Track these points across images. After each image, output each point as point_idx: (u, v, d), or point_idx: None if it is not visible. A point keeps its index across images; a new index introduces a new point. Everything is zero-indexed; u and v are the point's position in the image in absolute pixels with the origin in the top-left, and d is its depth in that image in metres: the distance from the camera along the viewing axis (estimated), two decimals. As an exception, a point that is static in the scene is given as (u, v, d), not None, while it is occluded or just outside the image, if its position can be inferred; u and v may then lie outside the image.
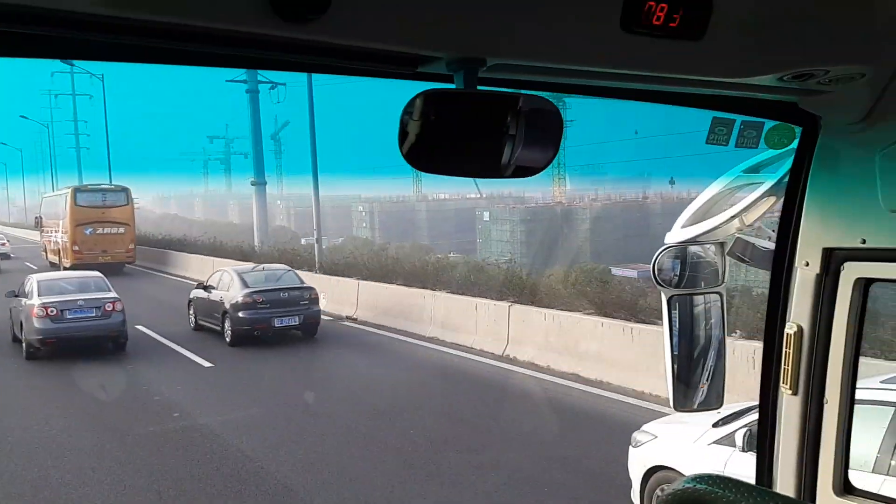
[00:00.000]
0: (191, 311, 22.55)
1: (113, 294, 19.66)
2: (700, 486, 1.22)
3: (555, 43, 1.64)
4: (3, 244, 43.65)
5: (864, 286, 2.34)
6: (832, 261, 2.34)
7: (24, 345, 18.90)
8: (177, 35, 1.44)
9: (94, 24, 1.37)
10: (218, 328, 20.81)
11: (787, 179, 2.46)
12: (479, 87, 1.65)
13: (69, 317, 18.56)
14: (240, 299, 19.99)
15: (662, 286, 2.63)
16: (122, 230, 37.04)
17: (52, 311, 18.28)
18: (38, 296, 18.96)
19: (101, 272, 34.07)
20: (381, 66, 1.65)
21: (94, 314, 18.79)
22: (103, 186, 39.69)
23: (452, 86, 1.65)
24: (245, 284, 20.46)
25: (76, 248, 36.00)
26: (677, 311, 2.66)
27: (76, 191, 37.77)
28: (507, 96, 1.68)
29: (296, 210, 68.07)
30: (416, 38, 1.55)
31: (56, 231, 39.29)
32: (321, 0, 1.38)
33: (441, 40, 1.57)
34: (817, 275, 2.37)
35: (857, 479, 2.45)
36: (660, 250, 2.66)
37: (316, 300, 20.91)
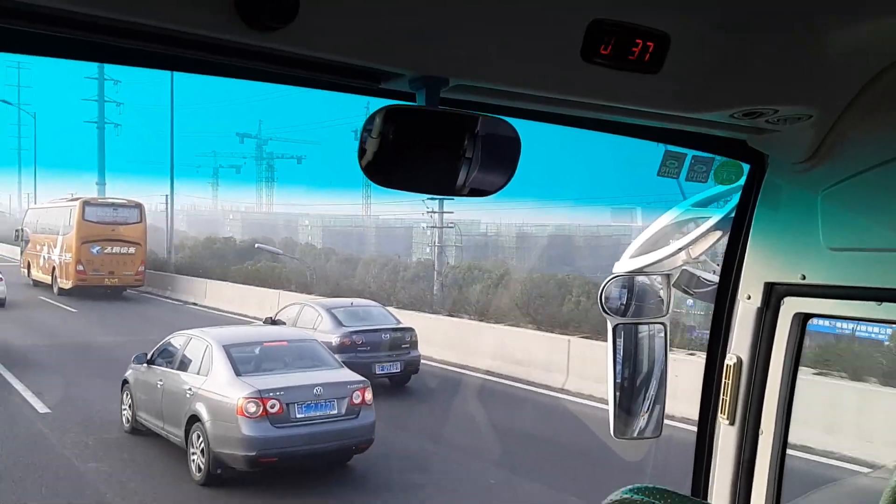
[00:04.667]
0: (252, 350, 19.27)
1: (350, 374, 12.36)
2: (637, 497, 1.27)
3: (517, 67, 1.73)
4: None
5: (802, 321, 2.45)
6: (773, 295, 2.46)
7: (197, 460, 11.12)
8: (142, 35, 1.48)
9: (54, 18, 1.41)
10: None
11: (733, 215, 2.57)
12: (440, 107, 1.72)
13: (299, 416, 11.08)
14: (335, 340, 16.69)
15: (609, 314, 2.76)
16: (132, 250, 34.24)
17: (273, 407, 10.82)
18: (236, 373, 11.52)
19: (100, 295, 32.27)
20: (344, 80, 1.75)
21: (335, 411, 11.38)
22: (114, 200, 36.53)
23: (414, 103, 1.73)
24: (339, 323, 17.54)
25: (80, 267, 33.26)
26: (622, 340, 2.80)
27: (85, 204, 34.65)
28: (467, 117, 1.75)
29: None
30: (380, 53, 1.62)
31: (51, 247, 35.43)
32: (288, 10, 1.44)
33: (405, 58, 1.65)
34: (758, 308, 2.48)
35: None
36: (608, 279, 2.79)
37: (416, 344, 17.89)
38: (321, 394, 11.33)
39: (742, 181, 2.56)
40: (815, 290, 2.39)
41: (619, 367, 2.81)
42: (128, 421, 13.43)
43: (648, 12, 1.75)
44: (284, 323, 18.36)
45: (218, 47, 1.54)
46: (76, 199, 36.08)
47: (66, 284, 34.01)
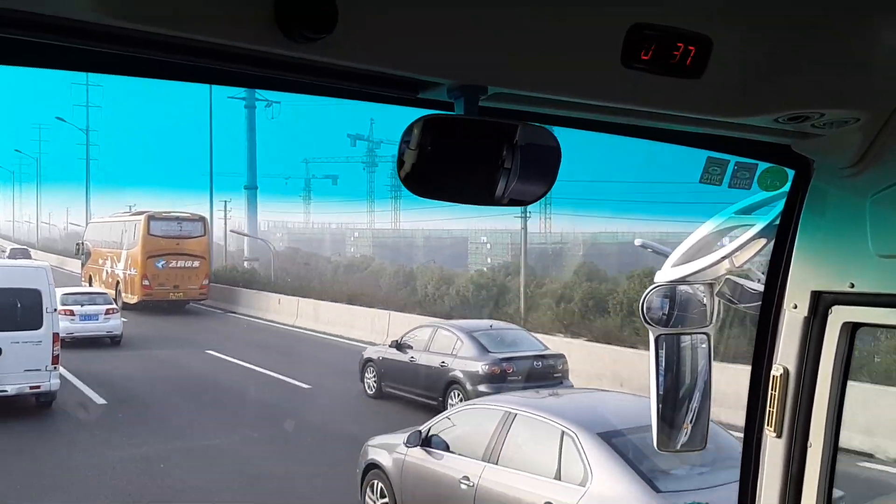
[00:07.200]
0: (368, 375, 17.78)
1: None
2: None
3: (556, 74, 1.71)
4: (112, 310, 25.61)
5: (851, 330, 2.38)
6: (820, 304, 2.41)
7: None
8: (180, 49, 1.50)
9: (96, 33, 1.44)
10: (432, 401, 15.66)
11: (777, 222, 2.52)
12: (479, 116, 1.72)
13: None
14: (482, 369, 15.25)
15: (651, 325, 2.75)
16: (196, 264, 34.42)
17: None
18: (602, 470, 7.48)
19: (163, 309, 32.37)
20: (382, 90, 1.74)
21: None
22: (178, 214, 36.49)
23: (452, 113, 1.73)
24: (484, 349, 15.95)
25: (146, 282, 33.40)
26: (664, 351, 2.78)
27: (150, 218, 34.61)
28: (506, 126, 1.74)
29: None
30: (418, 63, 1.62)
31: (115, 262, 35.65)
32: (327, 21, 1.45)
33: (443, 67, 1.65)
34: (805, 318, 2.43)
35: None
36: (649, 289, 2.77)
37: (567, 372, 16.26)
38: None
39: (787, 187, 2.50)
40: (864, 299, 2.32)
41: (661, 379, 2.79)
42: None
43: (690, 16, 1.72)
44: (412, 347, 16.90)
45: (256, 59, 1.55)
46: (140, 214, 36.40)
47: (132, 299, 34.17)
